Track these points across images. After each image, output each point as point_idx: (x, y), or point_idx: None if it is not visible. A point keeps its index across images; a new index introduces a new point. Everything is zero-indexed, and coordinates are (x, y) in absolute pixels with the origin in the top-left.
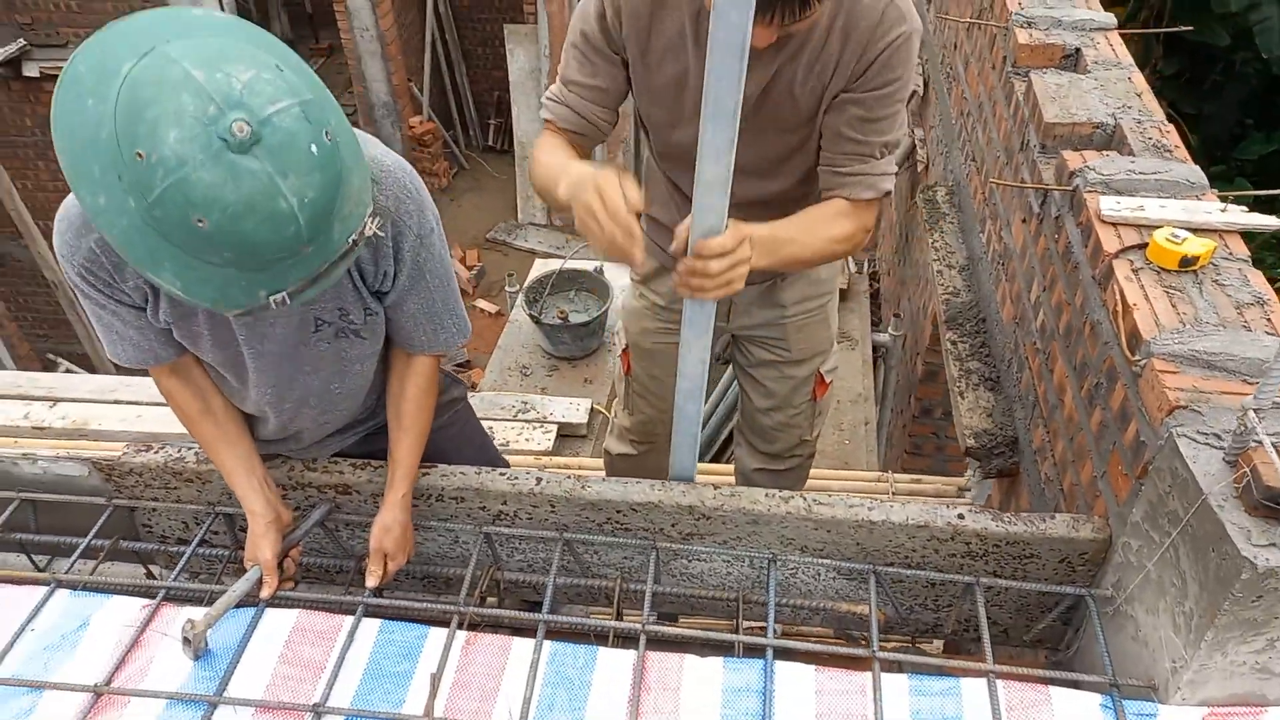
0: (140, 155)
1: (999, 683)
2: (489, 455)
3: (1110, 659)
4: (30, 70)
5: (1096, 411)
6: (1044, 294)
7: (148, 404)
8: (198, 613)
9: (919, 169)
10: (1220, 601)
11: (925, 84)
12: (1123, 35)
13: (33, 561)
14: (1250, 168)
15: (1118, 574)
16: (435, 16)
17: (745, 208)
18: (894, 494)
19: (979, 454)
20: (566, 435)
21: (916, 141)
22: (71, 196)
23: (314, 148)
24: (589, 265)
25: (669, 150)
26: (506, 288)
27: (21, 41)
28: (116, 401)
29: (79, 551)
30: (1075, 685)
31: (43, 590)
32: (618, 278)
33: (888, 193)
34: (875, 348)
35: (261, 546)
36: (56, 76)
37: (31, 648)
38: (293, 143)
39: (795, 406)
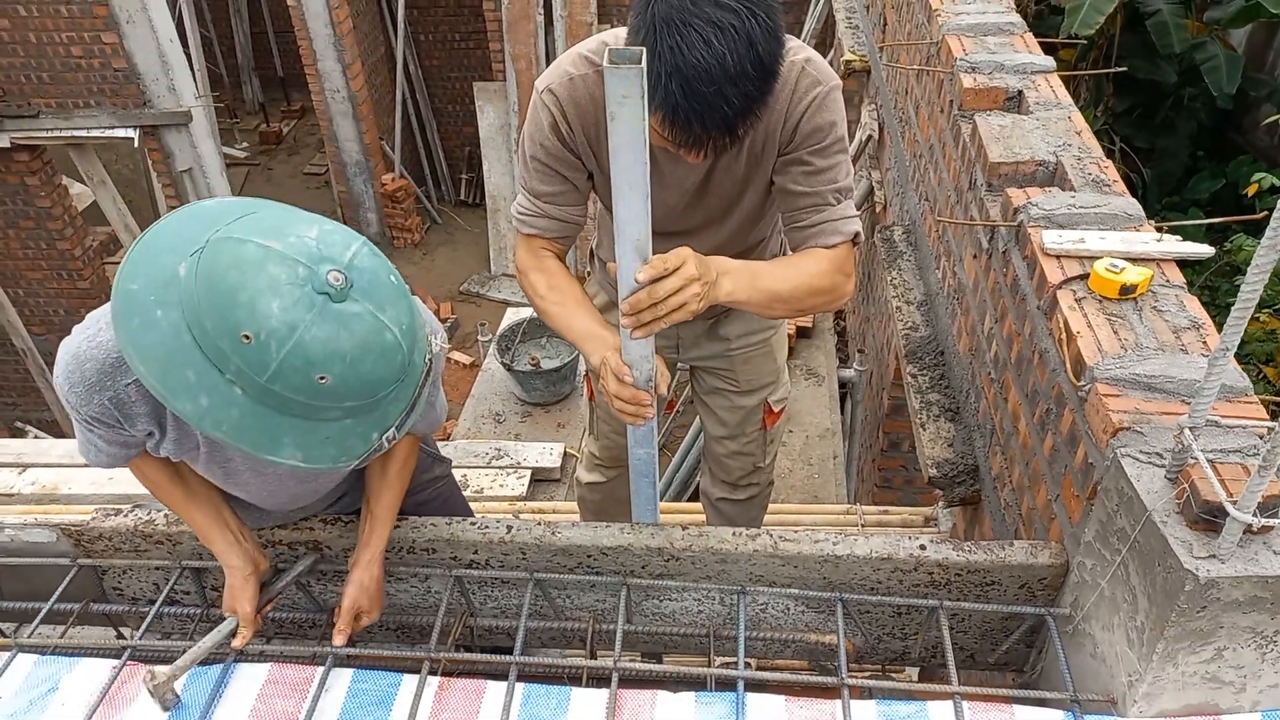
0: (247, 337)
1: (965, 704)
2: None
3: (1071, 676)
4: (1, 141)
5: (1048, 437)
6: (996, 326)
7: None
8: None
9: (877, 210)
10: (1168, 614)
11: (880, 128)
12: (1074, 75)
13: (1, 631)
14: (1205, 199)
15: (1075, 593)
16: (405, 77)
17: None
18: (863, 525)
19: (941, 483)
20: (540, 480)
21: (874, 184)
22: (80, 340)
23: (392, 278)
24: None
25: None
26: (479, 336)
27: None
28: (86, 465)
29: (41, 615)
30: (1040, 703)
31: (5, 656)
32: None
33: (856, 234)
34: (842, 383)
35: (241, 599)
36: (29, 147)
37: None
38: (377, 278)
39: (747, 435)
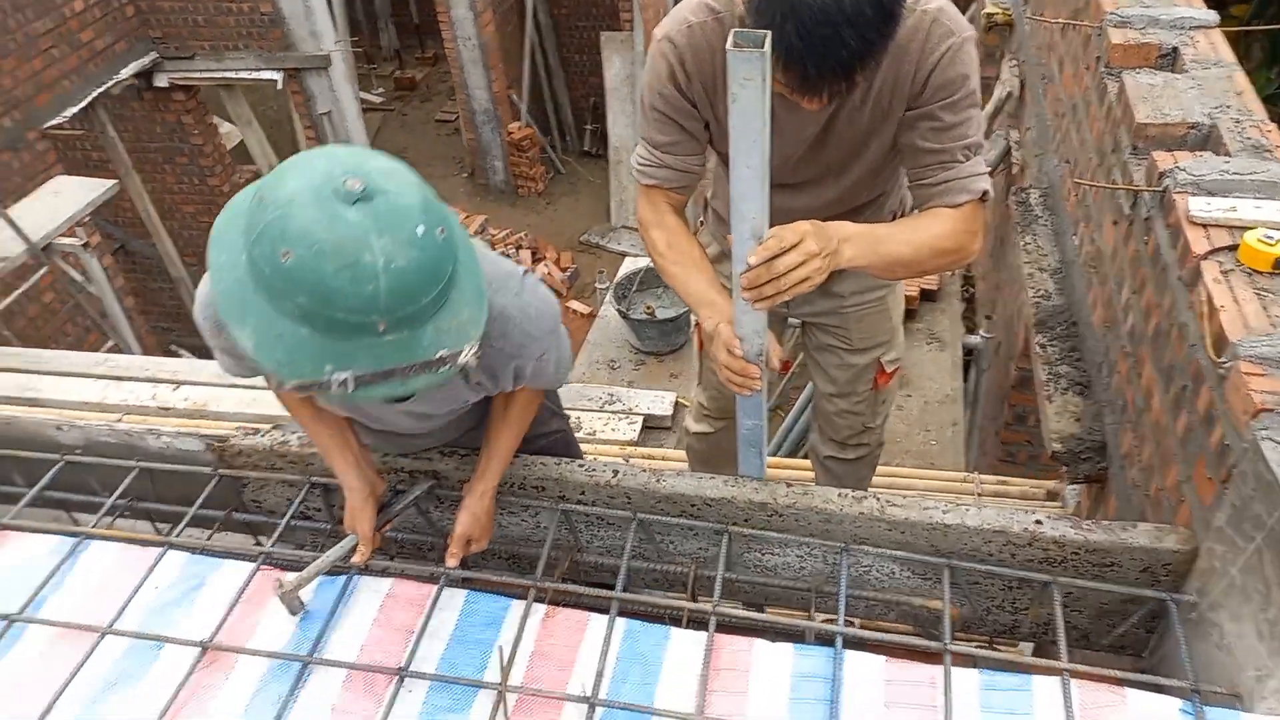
0: (261, 199)
1: (1073, 682)
2: None
3: (1192, 665)
4: (160, 81)
5: (1183, 416)
6: (1133, 297)
7: (261, 388)
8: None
9: (1014, 171)
10: None
11: (1021, 86)
12: (1243, 32)
13: (156, 528)
14: None
15: (1202, 580)
16: (535, 26)
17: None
18: (980, 494)
19: (1066, 459)
20: (651, 427)
21: (1012, 144)
22: (208, 288)
23: (420, 229)
24: None
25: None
26: (597, 284)
27: (154, 54)
28: (233, 385)
29: (187, 519)
30: (1156, 689)
31: (162, 552)
32: None
33: (985, 193)
34: (967, 350)
35: (360, 519)
36: (185, 87)
37: (155, 603)
38: (400, 215)
39: (858, 394)
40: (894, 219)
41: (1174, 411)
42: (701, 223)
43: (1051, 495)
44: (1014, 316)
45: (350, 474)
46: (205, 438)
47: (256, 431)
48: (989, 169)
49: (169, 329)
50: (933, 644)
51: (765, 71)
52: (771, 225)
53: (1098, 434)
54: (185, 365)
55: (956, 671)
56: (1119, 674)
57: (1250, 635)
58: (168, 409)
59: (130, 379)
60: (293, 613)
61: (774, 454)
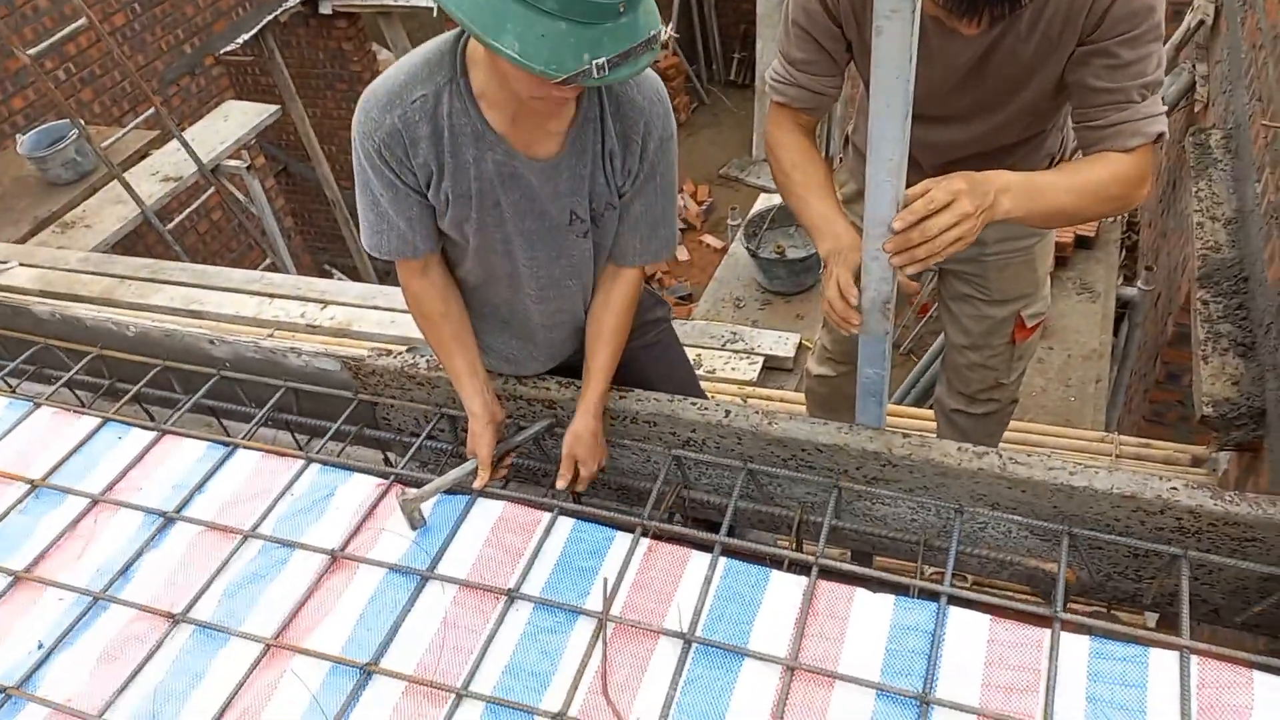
0: None
1: (1194, 659)
2: (690, 383)
3: None
4: (325, 8)
5: None
6: None
7: (400, 311)
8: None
9: (1196, 109)
10: None
11: (1216, 12)
12: None
13: (295, 440)
14: None
15: None
16: None
17: (959, 160)
18: (1118, 456)
19: (1217, 424)
20: (773, 368)
21: (1198, 78)
22: (377, 81)
23: None
24: None
25: None
26: (730, 221)
27: None
28: (375, 307)
29: (328, 436)
30: None
31: (299, 464)
32: None
33: (1160, 135)
34: (1121, 303)
35: (480, 444)
36: (347, 14)
37: (289, 510)
38: None
39: (991, 348)
40: (1050, 164)
41: None
42: (840, 160)
43: (1198, 461)
44: (1177, 268)
45: (475, 400)
46: (341, 358)
47: (389, 353)
48: (1167, 108)
49: (324, 249)
50: (1042, 610)
51: (915, 4)
52: (912, 159)
53: (1257, 400)
54: (332, 286)
55: (1066, 637)
56: (1249, 656)
57: None
58: (315, 326)
59: (283, 296)
60: (413, 526)
61: (899, 401)
